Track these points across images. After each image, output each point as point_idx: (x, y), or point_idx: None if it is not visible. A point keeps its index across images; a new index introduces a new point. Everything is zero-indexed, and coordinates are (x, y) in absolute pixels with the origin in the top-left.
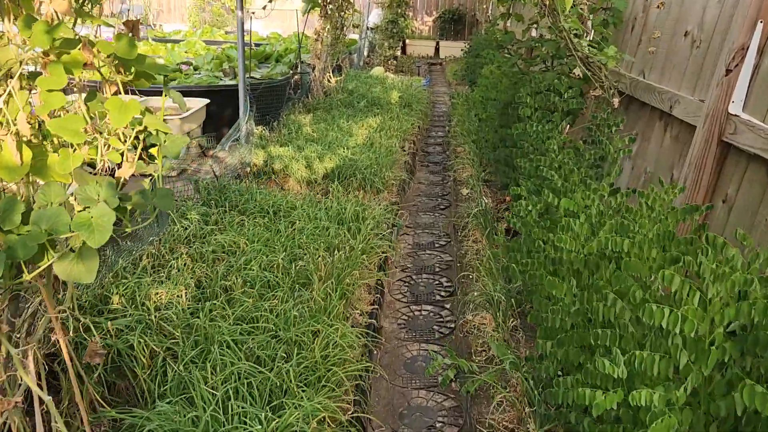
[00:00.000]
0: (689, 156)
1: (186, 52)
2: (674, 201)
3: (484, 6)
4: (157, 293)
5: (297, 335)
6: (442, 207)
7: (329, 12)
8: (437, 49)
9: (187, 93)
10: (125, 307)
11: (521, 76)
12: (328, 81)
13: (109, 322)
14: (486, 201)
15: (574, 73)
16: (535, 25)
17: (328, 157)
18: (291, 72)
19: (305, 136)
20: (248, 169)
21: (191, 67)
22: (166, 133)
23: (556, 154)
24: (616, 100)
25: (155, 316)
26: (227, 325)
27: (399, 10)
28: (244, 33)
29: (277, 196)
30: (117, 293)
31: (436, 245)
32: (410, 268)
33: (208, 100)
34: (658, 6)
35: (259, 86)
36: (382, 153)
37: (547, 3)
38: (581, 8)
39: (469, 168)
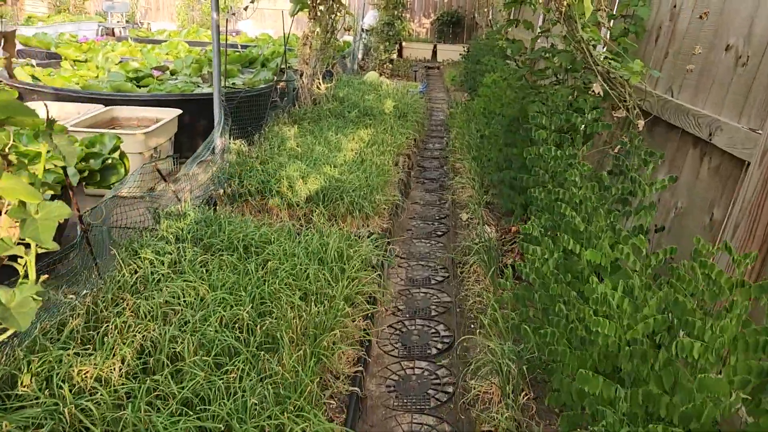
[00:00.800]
0: (740, 199)
1: (167, 54)
2: (719, 255)
3: (485, 9)
4: (82, 370)
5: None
6: (439, 233)
7: (319, 14)
8: (435, 53)
9: (158, 102)
10: (37, 392)
11: (529, 90)
12: (318, 88)
13: (5, 423)
14: (488, 231)
15: (592, 90)
16: (546, 34)
17: (313, 177)
18: (276, 79)
19: (289, 152)
20: (222, 191)
21: (167, 72)
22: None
23: (577, 187)
24: (640, 122)
25: (69, 408)
26: (165, 417)
27: (395, 12)
28: (227, 34)
29: (250, 227)
30: (29, 372)
31: (433, 281)
32: (402, 311)
33: (179, 111)
34: (700, 17)
35: (237, 95)
36: (373, 172)
37: (563, 9)
38: (600, 15)
39: (469, 188)
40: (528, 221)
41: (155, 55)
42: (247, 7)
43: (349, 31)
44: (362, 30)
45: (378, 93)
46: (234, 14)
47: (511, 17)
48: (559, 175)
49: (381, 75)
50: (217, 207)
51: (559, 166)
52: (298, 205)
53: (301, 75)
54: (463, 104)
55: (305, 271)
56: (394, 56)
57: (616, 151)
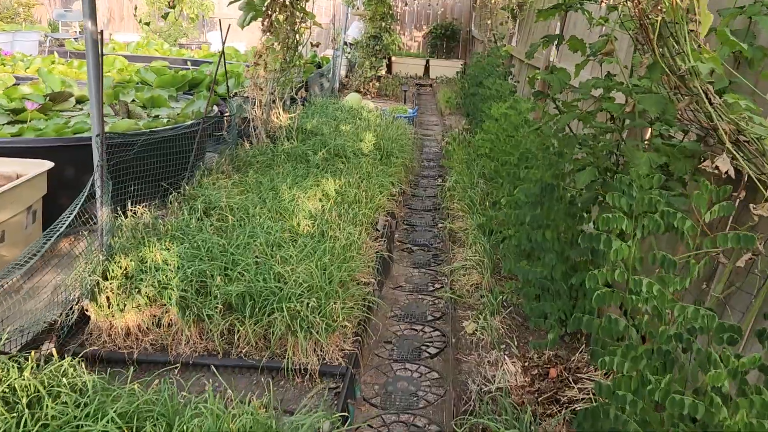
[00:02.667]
0: None
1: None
2: None
3: (488, 22)
4: None
5: None
6: (432, 349)
7: (275, 24)
8: (427, 69)
9: (20, 151)
10: None
11: (580, 149)
12: (277, 119)
13: None
14: (510, 369)
15: (715, 166)
16: (601, 60)
17: (239, 271)
18: (217, 111)
19: (212, 224)
20: (78, 303)
21: (71, 100)
22: None
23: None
24: None
25: None
26: None
27: (383, 24)
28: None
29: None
30: None
31: None
32: None
33: (49, 164)
34: None
35: (134, 141)
36: (335, 257)
37: (654, 22)
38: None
39: (474, 272)
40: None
41: (74, 74)
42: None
43: (315, 48)
44: (345, 44)
45: (357, 123)
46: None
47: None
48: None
49: (366, 95)
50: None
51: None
52: (210, 319)
53: (254, 104)
54: (461, 134)
55: None
56: (383, 72)
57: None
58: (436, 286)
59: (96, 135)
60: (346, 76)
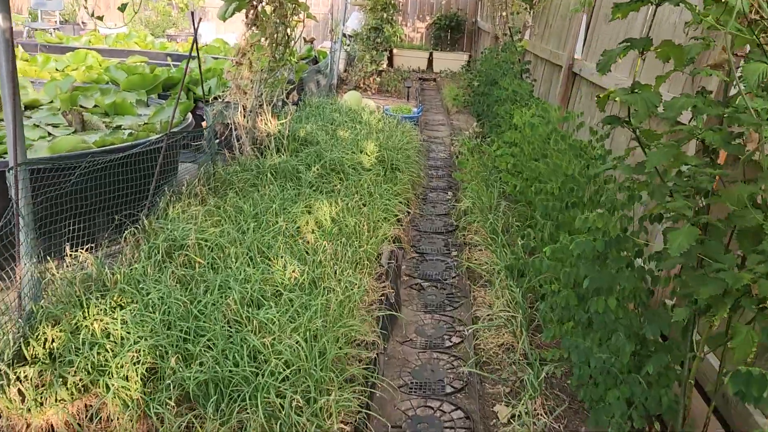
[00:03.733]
0: None
1: (66, 68)
2: None
3: (503, 14)
4: None
5: None
6: None
7: (261, 17)
8: (431, 61)
9: None
10: None
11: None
12: (265, 126)
13: None
14: None
15: None
16: (695, 72)
17: (201, 348)
18: (191, 120)
19: (176, 271)
20: None
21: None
22: None
23: None
24: None
25: None
26: None
27: (384, 15)
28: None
29: None
30: None
31: None
32: None
33: None
34: None
35: (76, 166)
36: (329, 321)
37: None
38: None
39: (505, 330)
40: None
41: (34, 72)
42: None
43: (309, 43)
44: (344, 36)
45: (357, 127)
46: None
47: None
48: None
49: (366, 91)
50: None
51: None
52: (160, 418)
53: (239, 109)
54: (473, 139)
55: None
56: (384, 65)
57: None
58: (454, 339)
59: (10, 168)
60: (345, 71)
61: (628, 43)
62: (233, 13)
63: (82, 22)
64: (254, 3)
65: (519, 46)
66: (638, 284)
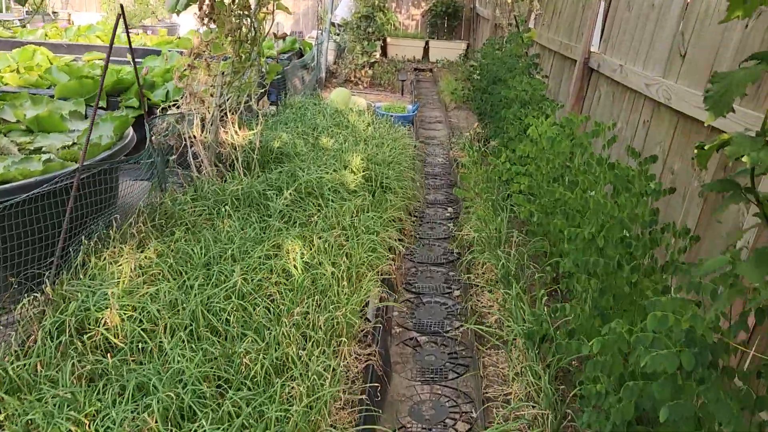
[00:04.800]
0: None
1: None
2: None
3: (508, 0)
4: None
5: None
6: None
7: (218, 10)
8: (426, 51)
9: None
10: None
11: None
12: (232, 138)
13: None
14: None
15: None
16: None
17: None
18: (131, 136)
19: (84, 361)
20: None
21: None
22: None
23: None
24: None
25: None
26: None
27: (376, 2)
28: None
29: None
30: None
31: None
32: None
33: None
34: None
35: None
36: None
37: None
38: None
39: (528, 428)
40: None
41: None
42: None
43: (280, 41)
44: (333, 25)
45: (341, 134)
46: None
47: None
48: None
49: (357, 85)
50: None
51: None
52: None
53: (197, 121)
54: (474, 143)
55: None
56: (377, 55)
57: None
58: (461, 427)
59: None
60: (335, 63)
61: (758, 60)
62: (187, 6)
63: (53, 12)
64: None
65: (526, 38)
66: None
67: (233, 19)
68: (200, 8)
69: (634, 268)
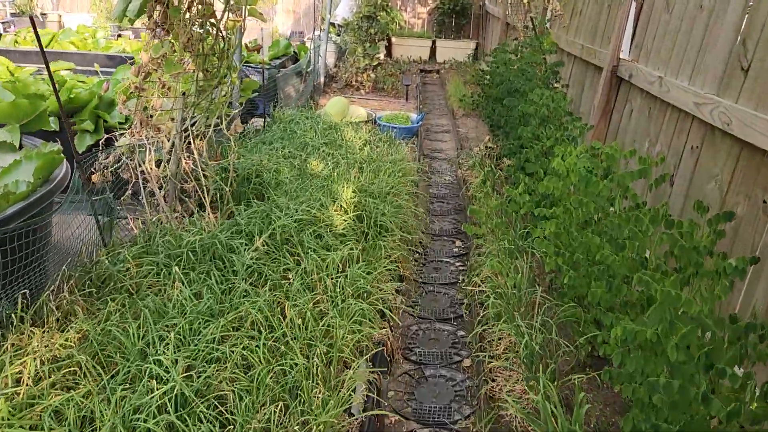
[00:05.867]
0: None
1: None
2: None
3: (525, 0)
4: None
5: None
6: None
7: (171, 18)
8: (433, 51)
9: None
10: None
11: None
12: (201, 167)
13: None
14: None
15: None
16: None
17: None
18: (64, 171)
19: None
20: None
21: None
22: None
23: None
24: None
25: None
26: None
27: (379, 1)
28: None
29: None
30: None
31: None
32: None
33: None
34: None
35: None
36: None
37: None
38: None
39: None
40: None
41: None
42: None
43: (256, 53)
44: (333, 25)
45: (333, 156)
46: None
47: None
48: None
49: (358, 90)
50: None
51: None
52: None
53: (149, 156)
54: (486, 160)
55: None
56: (381, 56)
57: None
58: None
59: None
60: (336, 66)
61: None
62: (141, 11)
63: (41, 14)
64: None
65: (547, 42)
66: None
67: (193, 28)
68: (149, 16)
69: (731, 414)
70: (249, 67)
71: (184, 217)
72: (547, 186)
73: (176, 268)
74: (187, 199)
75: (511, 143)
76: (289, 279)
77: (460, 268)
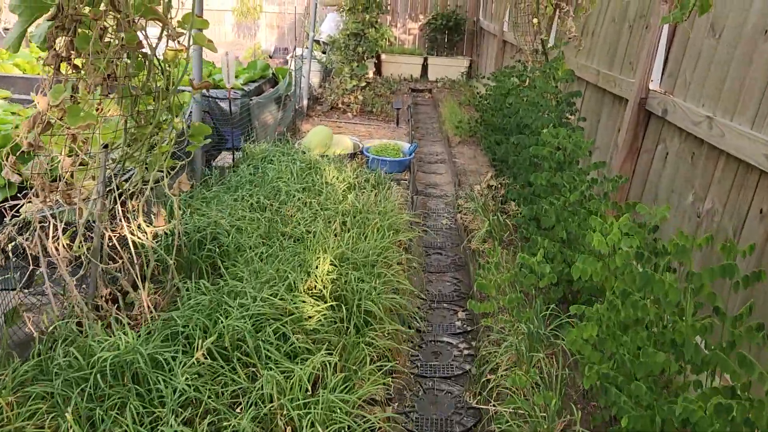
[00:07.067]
0: None
1: None
2: None
3: (534, 21)
4: None
5: None
6: None
7: (81, 51)
8: (425, 68)
9: None
10: None
11: None
12: (137, 236)
13: None
14: None
15: None
16: None
17: None
18: None
19: None
20: None
21: None
22: None
23: None
24: None
25: None
26: None
27: (367, 17)
28: None
29: None
30: None
31: None
32: None
33: None
34: None
35: None
36: None
37: None
38: None
39: None
40: None
41: None
42: None
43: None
44: (317, 42)
45: (310, 206)
46: None
47: None
48: None
49: (345, 112)
50: None
51: None
52: None
53: (51, 230)
54: (491, 208)
55: None
56: (370, 75)
57: None
58: None
59: None
60: (321, 87)
61: None
62: (45, 39)
63: (4, 29)
64: (63, 23)
65: (563, 70)
66: None
67: (118, 61)
68: (49, 47)
69: None
70: (217, 97)
71: (110, 304)
72: (584, 270)
73: (69, 414)
74: (119, 276)
75: (520, 188)
76: (240, 408)
77: (466, 352)
